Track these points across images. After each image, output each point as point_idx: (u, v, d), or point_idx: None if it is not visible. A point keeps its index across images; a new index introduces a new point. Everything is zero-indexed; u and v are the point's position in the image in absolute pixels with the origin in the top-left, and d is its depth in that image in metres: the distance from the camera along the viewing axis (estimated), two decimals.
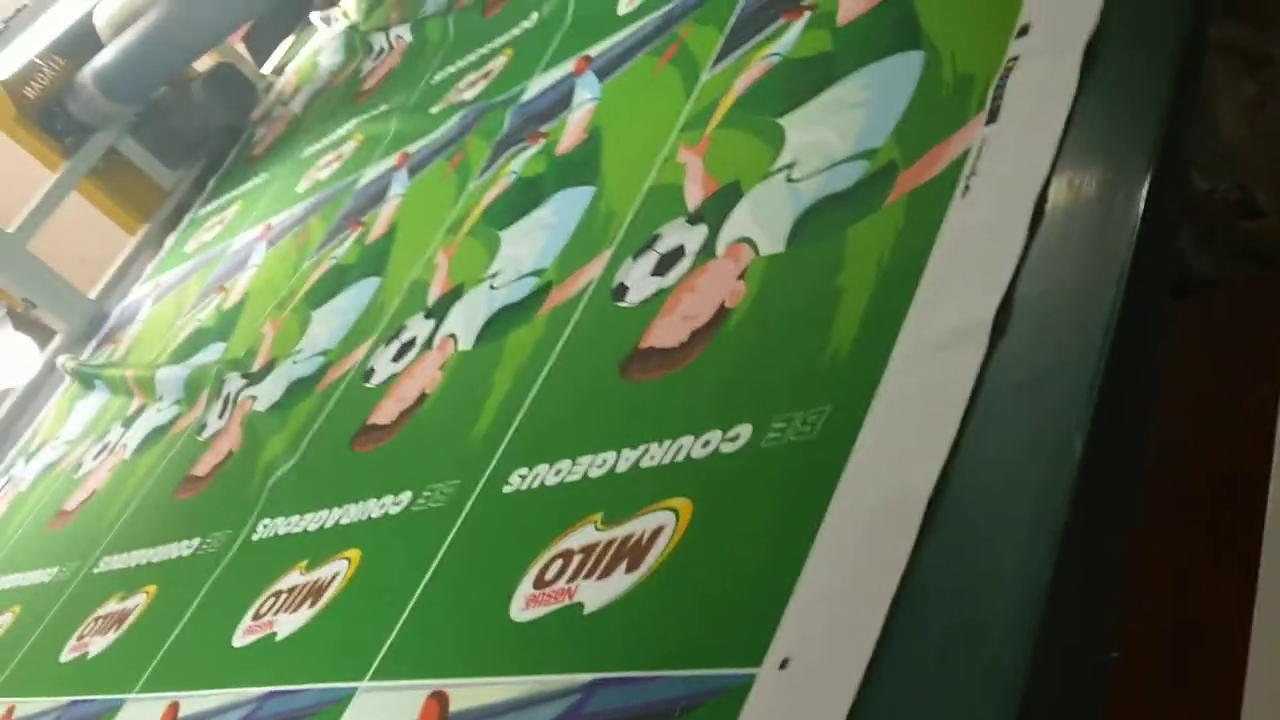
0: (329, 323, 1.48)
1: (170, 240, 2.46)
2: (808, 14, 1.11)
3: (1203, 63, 0.83)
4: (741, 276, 0.92)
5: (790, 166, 0.97)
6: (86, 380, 2.07)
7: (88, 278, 2.65)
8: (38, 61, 2.53)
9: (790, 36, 1.11)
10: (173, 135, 2.68)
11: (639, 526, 0.80)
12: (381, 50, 2.16)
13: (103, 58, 2.47)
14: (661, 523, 0.79)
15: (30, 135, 2.55)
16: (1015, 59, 0.84)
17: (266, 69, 3.05)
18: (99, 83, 2.47)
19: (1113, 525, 0.62)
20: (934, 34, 0.95)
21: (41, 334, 2.73)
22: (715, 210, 1.01)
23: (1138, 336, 0.68)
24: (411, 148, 1.70)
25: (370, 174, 1.77)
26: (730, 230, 0.98)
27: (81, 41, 2.54)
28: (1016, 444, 0.65)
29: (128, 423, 1.78)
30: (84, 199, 2.68)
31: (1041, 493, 0.61)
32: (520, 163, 1.38)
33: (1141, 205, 0.70)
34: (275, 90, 2.71)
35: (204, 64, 2.74)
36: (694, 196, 1.06)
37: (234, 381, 1.52)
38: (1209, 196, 1.12)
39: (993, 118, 0.82)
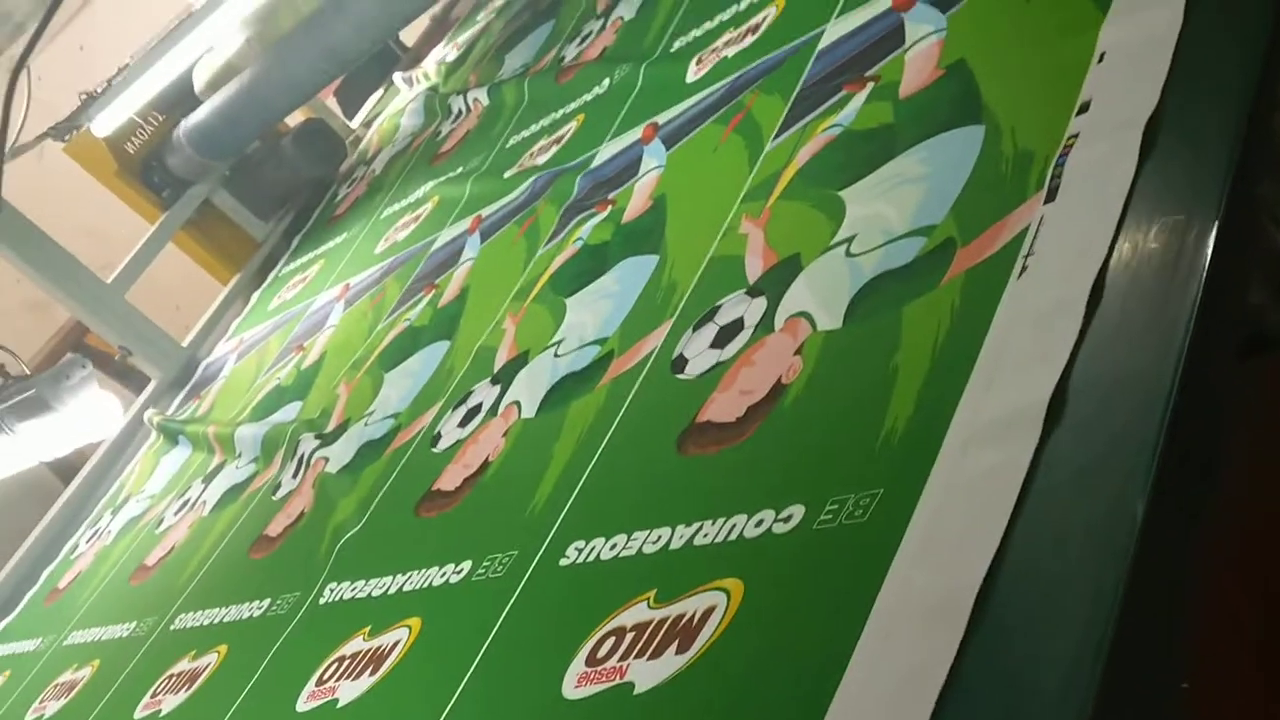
0: (400, 385, 1.50)
1: (255, 297, 2.53)
2: (870, 85, 1.11)
3: (1272, 127, 0.82)
4: (799, 352, 0.92)
5: (849, 240, 0.97)
6: (171, 435, 2.13)
7: (183, 325, 2.74)
8: (137, 119, 2.63)
9: (852, 108, 1.11)
10: (264, 188, 2.77)
11: (691, 606, 0.80)
12: (460, 113, 2.21)
13: (198, 115, 2.56)
14: (713, 603, 0.79)
15: (129, 189, 2.65)
16: (1075, 136, 0.83)
17: (356, 122, 3.13)
18: (194, 139, 2.56)
19: (1171, 624, 0.61)
20: (995, 108, 0.94)
21: (138, 380, 2.82)
22: (775, 283, 1.01)
23: (1199, 415, 0.66)
24: (485, 211, 1.73)
25: (445, 237, 1.80)
26: (789, 304, 0.98)
27: (180, 99, 2.64)
28: (1068, 537, 0.63)
29: (208, 479, 1.82)
30: (179, 249, 2.77)
31: (1094, 591, 0.59)
32: (587, 230, 1.40)
33: (1200, 289, 0.69)
34: (359, 150, 2.77)
35: (295, 119, 2.83)
36: (754, 268, 1.06)
37: (308, 442, 1.55)
38: None
39: (1051, 196, 0.81)
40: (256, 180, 2.77)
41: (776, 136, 1.20)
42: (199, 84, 2.61)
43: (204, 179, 2.67)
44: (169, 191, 2.67)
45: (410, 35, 3.38)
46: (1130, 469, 0.63)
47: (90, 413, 2.49)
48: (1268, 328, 1.06)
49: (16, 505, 3.46)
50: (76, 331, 3.97)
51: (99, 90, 2.54)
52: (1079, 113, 0.85)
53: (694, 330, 1.06)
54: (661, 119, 1.46)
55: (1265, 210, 0.91)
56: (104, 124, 2.54)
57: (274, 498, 1.54)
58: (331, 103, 3.72)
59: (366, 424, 1.47)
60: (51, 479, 3.58)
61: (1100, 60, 0.87)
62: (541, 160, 1.70)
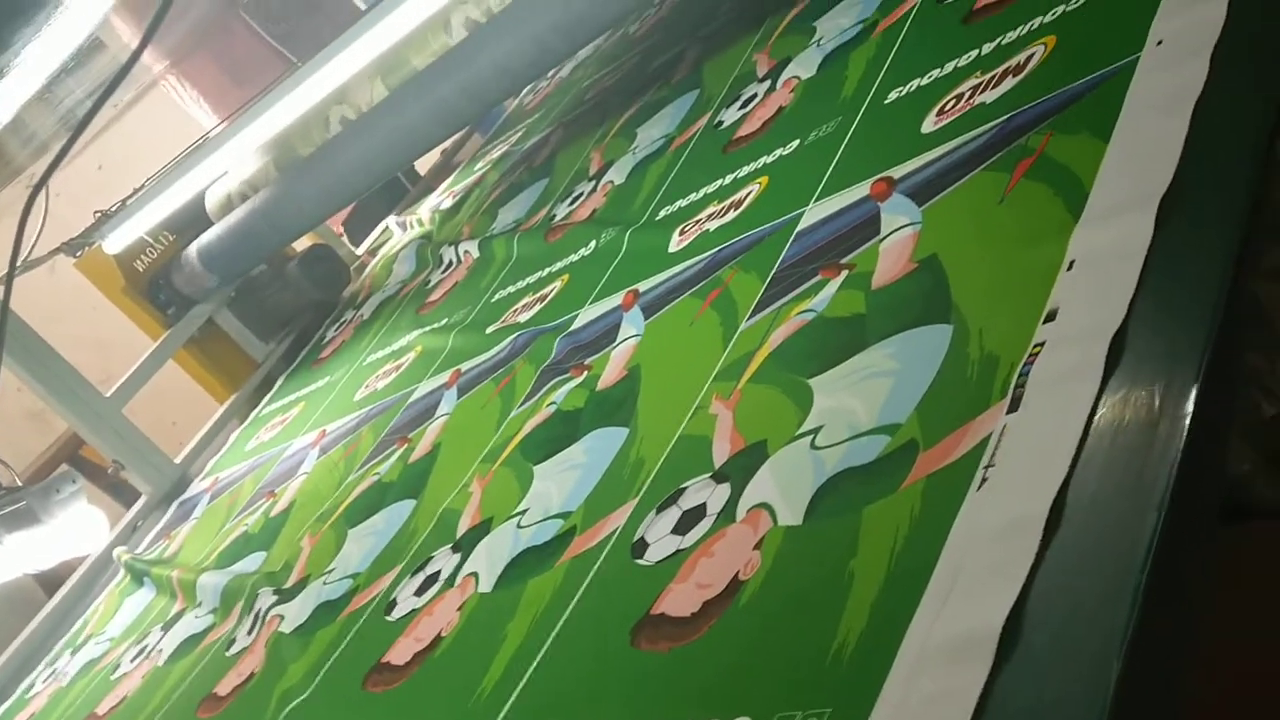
0: (363, 543, 1.47)
1: (233, 436, 2.50)
2: (845, 273, 1.11)
3: (1237, 342, 0.80)
4: (758, 546, 0.89)
5: (815, 432, 0.95)
6: (138, 576, 2.08)
7: (178, 440, 2.73)
8: (148, 238, 2.67)
9: (826, 294, 1.11)
10: (268, 310, 2.80)
11: None
12: (450, 263, 2.22)
13: (208, 236, 2.60)
14: None
15: (135, 306, 2.68)
16: (1041, 344, 0.82)
17: (361, 249, 3.15)
18: (203, 260, 2.60)
19: None
20: (964, 308, 0.93)
21: (129, 494, 2.78)
22: (740, 469, 0.99)
23: (1160, 653, 0.64)
24: (464, 365, 1.71)
25: (423, 389, 1.78)
26: (752, 493, 0.95)
27: (192, 220, 2.68)
28: None
29: (167, 626, 1.77)
30: (178, 366, 2.77)
31: None
32: (561, 394, 1.39)
33: (1161, 516, 0.66)
34: (350, 291, 2.78)
35: (301, 243, 2.85)
36: (721, 452, 1.04)
37: (266, 596, 1.51)
38: (1276, 420, 1.07)
39: (1015, 406, 0.79)
40: (261, 302, 2.81)
41: (751, 316, 1.19)
42: (211, 206, 2.64)
43: (209, 299, 2.69)
44: (174, 309, 2.71)
45: (423, 164, 3.42)
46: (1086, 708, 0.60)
47: (78, 527, 2.46)
48: (1257, 501, 1.03)
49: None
50: (73, 442, 3.95)
51: (114, 209, 2.57)
52: (1046, 320, 0.84)
53: (657, 513, 1.04)
54: (643, 286, 1.46)
55: (1255, 381, 0.89)
56: (115, 241, 2.58)
57: (227, 654, 1.49)
58: (339, 229, 3.76)
59: (325, 582, 1.43)
60: (34, 588, 3.52)
61: (1069, 268, 0.86)
62: (524, 318, 1.70)
